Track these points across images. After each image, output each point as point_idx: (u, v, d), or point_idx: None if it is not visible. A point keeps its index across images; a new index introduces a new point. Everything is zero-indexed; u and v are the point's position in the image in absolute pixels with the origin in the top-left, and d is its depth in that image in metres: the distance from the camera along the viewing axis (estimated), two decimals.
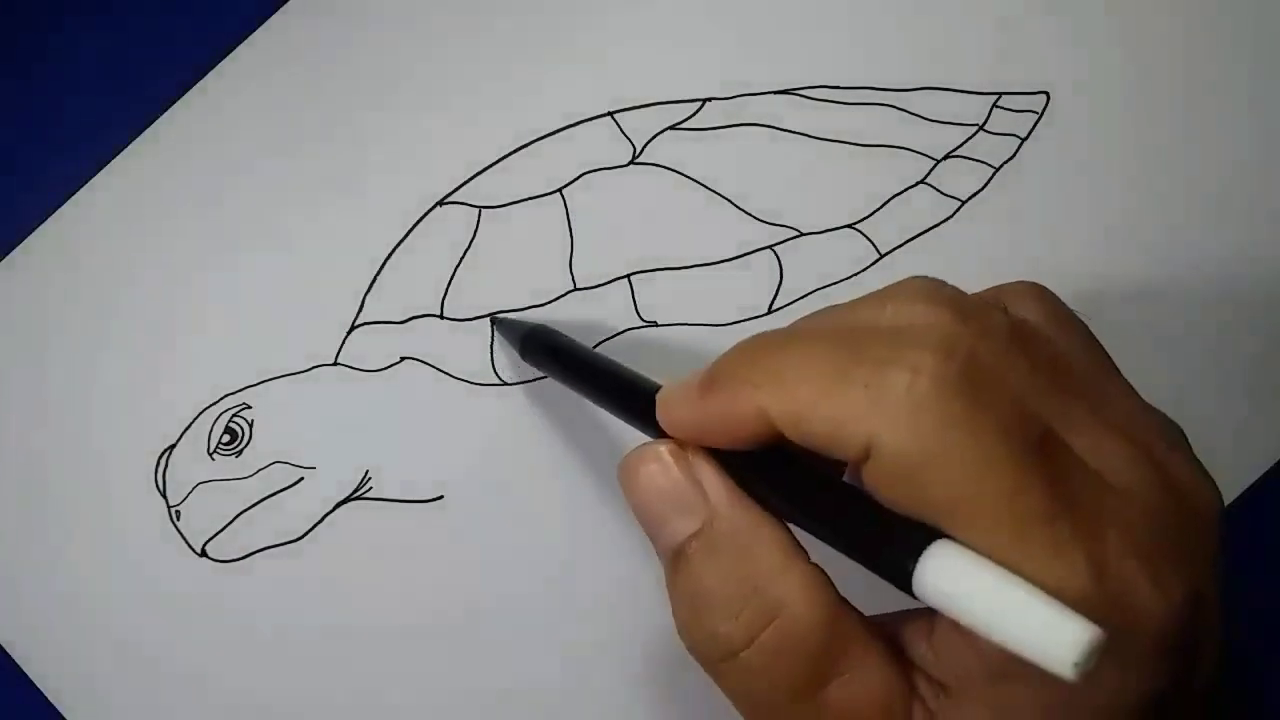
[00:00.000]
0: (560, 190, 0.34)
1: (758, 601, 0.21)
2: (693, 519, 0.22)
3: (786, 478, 0.22)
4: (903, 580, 0.19)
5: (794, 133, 0.34)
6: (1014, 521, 0.18)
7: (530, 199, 0.34)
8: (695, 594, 0.22)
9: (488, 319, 0.34)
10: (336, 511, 0.34)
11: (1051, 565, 0.18)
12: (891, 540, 0.19)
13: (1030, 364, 0.20)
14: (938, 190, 0.33)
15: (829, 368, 0.20)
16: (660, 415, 0.23)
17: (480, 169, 0.35)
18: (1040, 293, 0.24)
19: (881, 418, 0.19)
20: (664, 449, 0.23)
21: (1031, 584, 0.18)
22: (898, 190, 0.34)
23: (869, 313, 0.22)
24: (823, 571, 0.21)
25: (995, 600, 0.18)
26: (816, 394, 0.20)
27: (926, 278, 0.23)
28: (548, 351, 0.30)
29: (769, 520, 0.22)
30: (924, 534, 0.19)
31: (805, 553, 0.22)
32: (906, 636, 0.22)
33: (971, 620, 0.18)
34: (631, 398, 0.25)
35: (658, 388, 0.24)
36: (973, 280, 0.33)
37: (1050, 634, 0.17)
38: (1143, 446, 0.21)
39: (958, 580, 0.18)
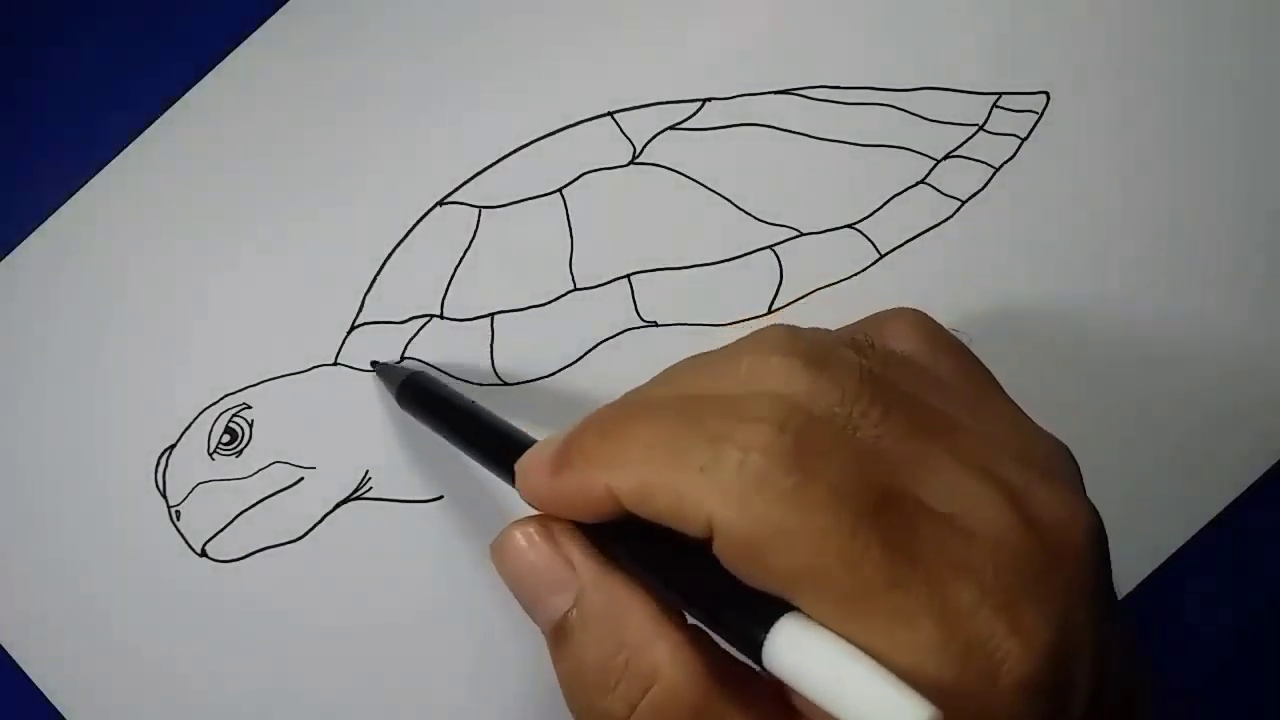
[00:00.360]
0: (560, 190, 0.34)
1: (632, 672, 0.21)
2: (565, 595, 0.22)
3: (645, 549, 0.22)
4: (754, 653, 0.19)
5: (794, 133, 0.34)
6: (855, 592, 0.18)
7: (530, 199, 0.34)
8: (575, 669, 0.22)
9: (488, 318, 0.34)
10: (336, 511, 0.34)
11: (896, 632, 0.18)
12: (743, 613, 0.19)
13: (882, 411, 0.20)
14: (938, 190, 0.33)
15: (668, 447, 0.20)
16: (520, 488, 0.24)
17: (480, 169, 0.35)
18: (915, 319, 0.24)
19: (717, 498, 0.19)
20: (531, 529, 0.23)
21: (872, 657, 0.18)
22: (898, 190, 0.34)
23: (721, 371, 0.22)
24: (699, 633, 0.21)
25: (837, 675, 0.18)
26: (657, 474, 0.20)
27: (784, 327, 0.22)
28: (423, 400, 0.30)
29: (637, 590, 0.22)
30: (775, 607, 0.19)
31: (679, 618, 0.22)
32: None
33: (816, 696, 0.18)
34: (499, 458, 0.26)
35: (527, 446, 0.24)
36: (973, 280, 0.33)
37: (889, 711, 0.17)
38: (1002, 483, 0.20)
39: (802, 655, 0.18)
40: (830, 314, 0.33)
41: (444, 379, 0.34)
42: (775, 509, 0.19)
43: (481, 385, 0.34)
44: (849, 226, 0.34)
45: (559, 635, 0.22)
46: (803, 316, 0.33)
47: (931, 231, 0.33)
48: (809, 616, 0.19)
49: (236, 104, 0.35)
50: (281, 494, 0.34)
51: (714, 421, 0.20)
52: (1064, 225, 0.33)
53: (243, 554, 0.34)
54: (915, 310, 0.25)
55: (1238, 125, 0.33)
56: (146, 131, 0.36)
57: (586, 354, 0.34)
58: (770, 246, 0.34)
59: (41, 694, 0.34)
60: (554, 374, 0.34)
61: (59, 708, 0.34)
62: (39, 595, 0.34)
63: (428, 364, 0.34)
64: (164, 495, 0.34)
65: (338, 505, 0.34)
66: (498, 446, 0.26)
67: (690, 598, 0.21)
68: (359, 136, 0.35)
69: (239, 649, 0.34)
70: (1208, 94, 0.33)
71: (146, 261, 0.35)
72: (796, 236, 0.34)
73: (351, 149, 0.35)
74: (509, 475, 0.25)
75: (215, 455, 0.34)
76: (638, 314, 0.34)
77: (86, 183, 0.36)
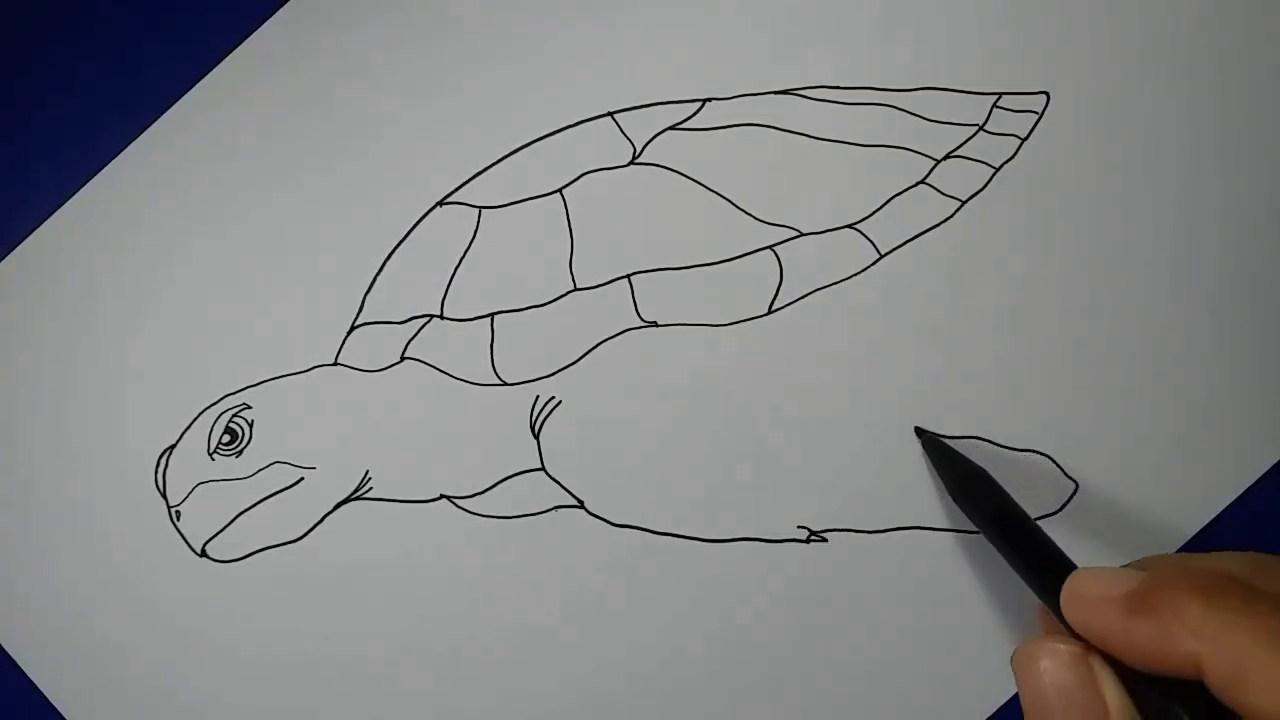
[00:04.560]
0: (560, 190, 0.34)
1: None
2: None
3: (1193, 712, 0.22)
4: None
5: (794, 133, 0.34)
6: None
7: (530, 199, 0.34)
8: None
9: (488, 318, 0.34)
10: (336, 511, 0.34)
11: None
12: None
13: None
14: (938, 190, 0.33)
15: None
16: (1070, 613, 0.24)
17: (480, 169, 0.35)
18: None
19: None
20: (1070, 651, 0.24)
21: None
22: (898, 190, 0.34)
23: None
24: None
25: None
26: (1265, 677, 0.20)
27: None
28: (979, 499, 0.30)
29: None
30: None
31: None
32: None
33: None
34: (1043, 573, 0.26)
35: (1071, 568, 0.25)
36: (973, 280, 0.33)
37: None
38: None
39: None
40: (830, 314, 0.33)
41: (444, 379, 0.34)
42: None
43: (482, 385, 0.34)
44: (849, 226, 0.34)
45: None
46: (803, 316, 0.33)
47: (931, 231, 0.33)
48: None
49: (236, 104, 0.36)
50: (281, 494, 0.34)
51: None
52: (1064, 225, 0.33)
53: (243, 554, 0.34)
54: None
55: (1238, 125, 0.33)
56: (146, 132, 0.36)
57: (586, 354, 0.34)
58: (770, 246, 0.34)
59: (41, 694, 0.34)
60: (554, 374, 0.34)
61: (59, 708, 0.34)
62: (39, 595, 0.34)
63: (428, 364, 0.34)
64: (164, 495, 0.34)
65: (338, 505, 0.34)
66: (1046, 564, 0.27)
67: None
68: (359, 137, 0.35)
69: (239, 649, 0.34)
70: (1208, 94, 0.33)
71: (146, 261, 0.35)
72: (796, 236, 0.34)
73: (351, 149, 0.35)
74: (1048, 594, 0.26)
75: (215, 455, 0.34)
76: (638, 314, 0.34)
77: (86, 183, 0.36)
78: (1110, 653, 0.23)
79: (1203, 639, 0.21)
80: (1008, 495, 0.29)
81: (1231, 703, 0.21)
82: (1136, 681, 0.23)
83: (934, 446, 0.32)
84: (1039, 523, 0.32)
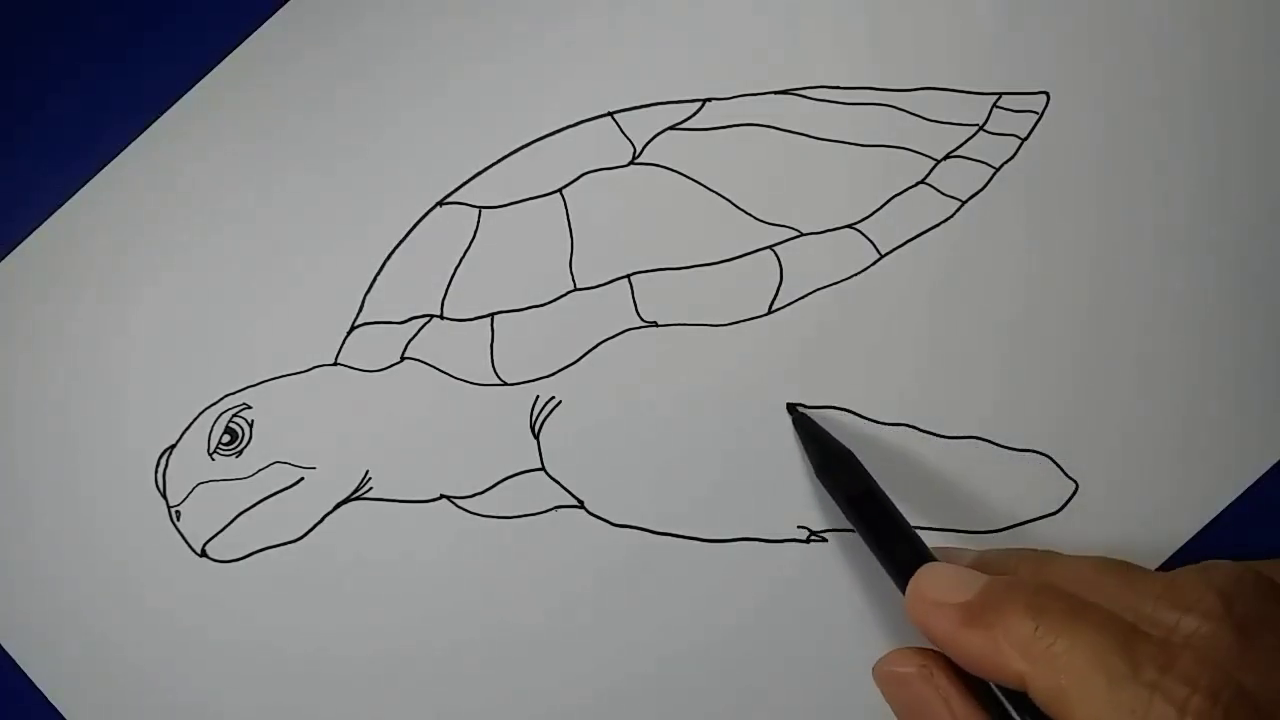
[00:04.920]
0: (560, 190, 0.34)
1: None
2: None
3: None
4: None
5: (794, 133, 0.34)
6: None
7: (530, 199, 0.34)
8: None
9: (488, 318, 0.34)
10: (336, 511, 0.34)
11: None
12: None
13: None
14: (938, 190, 0.33)
15: (1101, 675, 0.21)
16: (913, 610, 0.25)
17: (480, 169, 0.35)
18: None
19: None
20: (917, 665, 0.25)
21: None
22: (898, 190, 0.34)
23: (1154, 610, 0.23)
24: None
25: None
26: (1083, 695, 0.21)
27: (1222, 580, 0.23)
28: (842, 481, 0.30)
29: None
30: None
31: None
32: None
33: None
34: (896, 558, 0.27)
35: (926, 559, 0.26)
36: (973, 280, 0.33)
37: None
38: None
39: None
40: (830, 314, 0.33)
41: (444, 379, 0.34)
42: None
43: (482, 385, 0.34)
44: (849, 226, 0.34)
45: None
46: (803, 316, 0.33)
47: (931, 231, 0.33)
48: None
49: (236, 104, 0.36)
50: (281, 494, 0.34)
51: (1150, 667, 0.21)
52: (1064, 225, 0.33)
53: (243, 554, 0.34)
54: None
55: (1238, 124, 0.33)
56: (147, 131, 0.36)
57: (586, 354, 0.34)
58: (770, 246, 0.34)
59: (41, 694, 0.34)
60: (554, 374, 0.34)
61: (59, 708, 0.34)
62: (39, 595, 0.34)
63: (428, 364, 0.34)
64: (164, 495, 0.34)
65: (338, 505, 0.34)
66: (900, 551, 0.27)
67: None
68: (359, 137, 0.35)
69: (238, 649, 0.34)
70: (1208, 93, 0.33)
71: (146, 261, 0.35)
72: (796, 236, 0.34)
73: (351, 149, 0.35)
74: (898, 578, 0.26)
75: (215, 455, 0.34)
76: (638, 314, 0.34)
77: (87, 183, 0.36)
78: (948, 654, 0.24)
79: (1028, 658, 0.22)
80: (872, 479, 0.29)
81: (1056, 718, 0.22)
82: (980, 684, 0.24)
83: (803, 424, 0.32)
84: (1032, 523, 0.32)
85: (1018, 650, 0.22)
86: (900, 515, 0.29)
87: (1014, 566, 0.27)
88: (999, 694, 0.24)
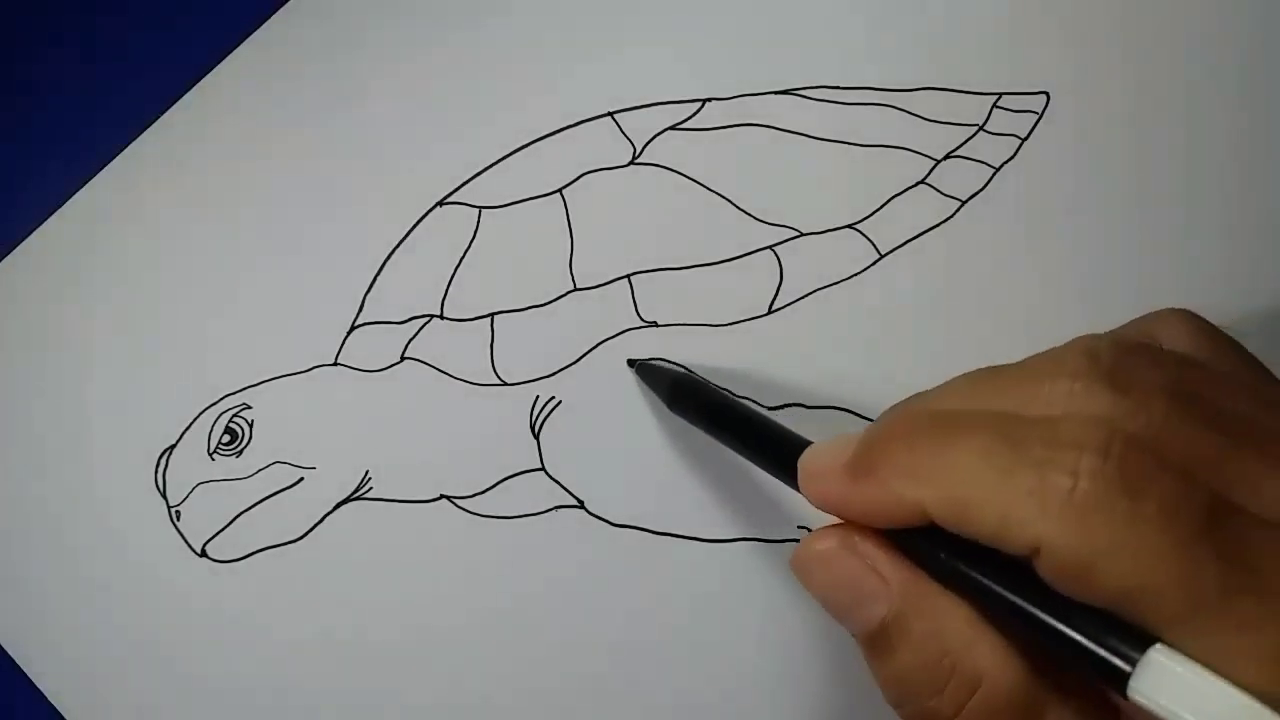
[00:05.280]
0: (560, 190, 0.34)
1: (958, 674, 0.22)
2: (879, 605, 0.23)
3: (951, 556, 0.22)
4: (1112, 680, 0.19)
5: (794, 133, 0.34)
6: (1192, 606, 0.19)
7: (530, 199, 0.34)
8: (898, 675, 0.23)
9: (488, 318, 0.34)
10: (336, 511, 0.34)
11: (1237, 642, 0.18)
12: (1099, 638, 0.20)
13: (1193, 425, 0.21)
14: (938, 190, 0.33)
15: (991, 470, 0.21)
16: (806, 488, 0.24)
17: (480, 169, 0.35)
18: (1191, 320, 0.25)
19: (1047, 523, 0.20)
20: (833, 542, 0.23)
21: (1213, 668, 0.18)
22: (898, 190, 0.34)
23: (1024, 392, 0.22)
24: (1009, 636, 0.22)
25: (1215, 712, 0.18)
26: (980, 496, 0.20)
27: (1085, 344, 0.23)
28: (693, 402, 0.30)
29: (948, 594, 0.22)
30: (1130, 635, 0.19)
31: (988, 622, 0.22)
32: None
33: None
34: (777, 457, 0.26)
35: (804, 446, 0.25)
36: (973, 280, 0.33)
37: None
38: None
39: (1174, 690, 0.18)
40: (830, 314, 0.33)
41: (444, 379, 0.34)
42: (1107, 531, 0.19)
43: (482, 385, 0.34)
44: (849, 226, 0.34)
45: (876, 643, 0.23)
46: (803, 316, 0.33)
47: (931, 231, 0.33)
48: (1174, 648, 0.19)
49: (236, 104, 0.36)
50: (281, 494, 0.34)
51: (1035, 445, 0.20)
52: (1064, 225, 0.33)
53: (243, 554, 0.34)
54: (1186, 311, 0.25)
55: (1238, 124, 0.33)
56: (147, 131, 0.36)
57: (586, 354, 0.34)
58: (770, 246, 0.34)
59: (41, 694, 0.34)
60: (554, 374, 0.34)
61: (59, 708, 0.34)
62: (39, 595, 0.34)
63: (428, 364, 0.34)
64: (164, 495, 0.34)
65: (338, 505, 0.34)
66: (775, 448, 0.26)
67: (1016, 611, 0.21)
68: (359, 137, 0.35)
69: (239, 649, 0.34)
70: (1208, 93, 0.33)
71: (146, 261, 0.35)
72: (796, 236, 0.34)
73: (351, 149, 0.35)
74: (786, 475, 0.25)
75: (215, 455, 0.34)
76: (638, 314, 0.34)
77: (87, 183, 0.36)
78: (849, 519, 0.23)
79: (917, 483, 0.21)
80: (723, 391, 0.29)
81: (965, 534, 0.21)
82: (906, 544, 0.23)
83: (646, 370, 0.32)
84: None
85: (907, 481, 0.21)
86: (766, 418, 0.28)
87: (878, 422, 0.26)
88: (905, 544, 0.23)
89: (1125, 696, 0.19)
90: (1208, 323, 0.25)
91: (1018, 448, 0.21)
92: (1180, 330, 0.24)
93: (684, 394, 0.30)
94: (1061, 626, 0.20)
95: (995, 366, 0.24)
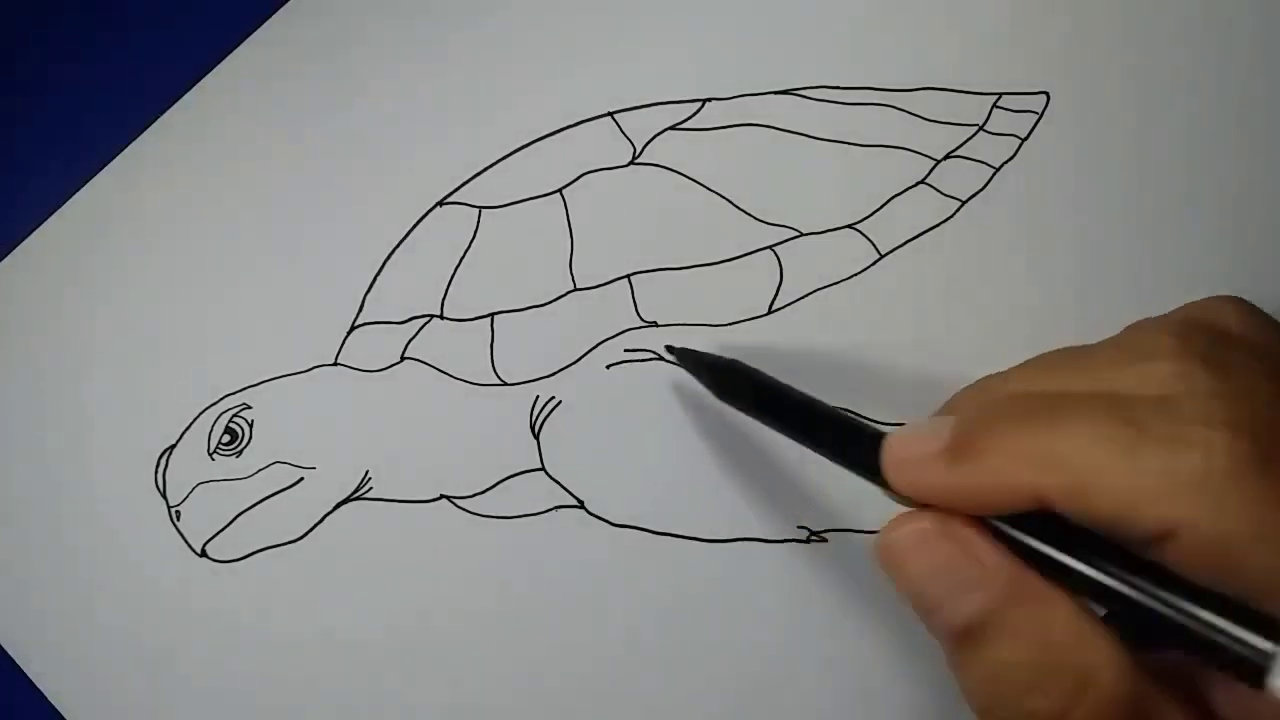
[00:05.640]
0: (560, 190, 0.34)
1: (1065, 672, 0.20)
2: (977, 595, 0.21)
3: (1063, 545, 0.21)
4: (1252, 677, 0.18)
5: (794, 133, 0.34)
6: None
7: (530, 199, 0.34)
8: (994, 672, 0.21)
9: (488, 318, 0.34)
10: (336, 511, 0.34)
11: None
12: (1234, 626, 0.19)
13: None
14: (938, 190, 0.33)
15: (1114, 451, 0.20)
16: (895, 475, 0.23)
17: (480, 169, 0.35)
18: (1248, 309, 0.24)
19: (1182, 502, 0.19)
20: (928, 526, 0.22)
21: None
22: (898, 190, 0.34)
23: (1126, 375, 0.21)
24: (1117, 632, 0.21)
25: None
26: (1103, 478, 0.20)
27: (1166, 327, 0.22)
28: (746, 392, 0.29)
29: (1055, 588, 0.21)
30: (1273, 627, 0.18)
31: (1096, 615, 0.21)
32: (1200, 680, 0.21)
33: None
34: (842, 444, 0.25)
35: (878, 435, 0.23)
36: (973, 280, 0.33)
37: None
38: None
39: None
40: (830, 314, 0.33)
41: (444, 379, 0.34)
42: (1250, 511, 0.18)
43: (482, 385, 0.34)
44: (849, 226, 0.34)
45: (970, 636, 0.21)
46: (803, 316, 0.33)
47: (931, 231, 0.33)
48: None
49: (236, 104, 0.36)
50: (281, 494, 0.34)
51: (1158, 423, 0.19)
52: (1064, 225, 0.33)
53: (243, 554, 0.34)
54: (1238, 297, 0.24)
55: (1239, 124, 0.33)
56: (147, 131, 0.36)
57: (586, 354, 0.34)
58: (770, 246, 0.34)
59: (41, 694, 0.34)
60: (554, 374, 0.34)
61: (59, 708, 0.34)
62: (39, 595, 0.34)
63: (428, 364, 0.34)
64: (164, 495, 0.34)
65: (338, 505, 0.34)
66: (840, 435, 0.25)
67: (1133, 601, 0.20)
68: (359, 136, 0.35)
69: (239, 649, 0.34)
70: (1208, 93, 0.33)
71: (146, 261, 0.35)
72: (796, 236, 0.34)
73: (351, 149, 0.35)
74: (850, 462, 0.24)
75: (215, 455, 0.34)
76: (638, 314, 0.34)
77: (87, 183, 0.36)
78: (946, 508, 0.22)
79: (1033, 467, 0.20)
80: (778, 381, 0.28)
81: (1080, 517, 0.20)
82: (996, 530, 0.22)
83: (687, 357, 0.31)
84: None
85: (1020, 466, 0.20)
86: (826, 405, 0.27)
87: (960, 405, 0.25)
88: (1012, 532, 0.22)
89: (1260, 688, 0.18)
90: (1259, 309, 0.24)
91: (1140, 427, 0.20)
92: (1237, 316, 0.24)
93: (733, 382, 0.29)
94: (1197, 612, 0.19)
95: (1071, 349, 0.23)
